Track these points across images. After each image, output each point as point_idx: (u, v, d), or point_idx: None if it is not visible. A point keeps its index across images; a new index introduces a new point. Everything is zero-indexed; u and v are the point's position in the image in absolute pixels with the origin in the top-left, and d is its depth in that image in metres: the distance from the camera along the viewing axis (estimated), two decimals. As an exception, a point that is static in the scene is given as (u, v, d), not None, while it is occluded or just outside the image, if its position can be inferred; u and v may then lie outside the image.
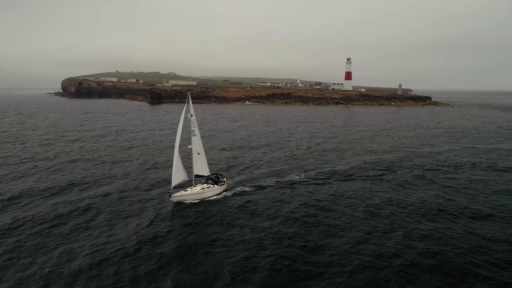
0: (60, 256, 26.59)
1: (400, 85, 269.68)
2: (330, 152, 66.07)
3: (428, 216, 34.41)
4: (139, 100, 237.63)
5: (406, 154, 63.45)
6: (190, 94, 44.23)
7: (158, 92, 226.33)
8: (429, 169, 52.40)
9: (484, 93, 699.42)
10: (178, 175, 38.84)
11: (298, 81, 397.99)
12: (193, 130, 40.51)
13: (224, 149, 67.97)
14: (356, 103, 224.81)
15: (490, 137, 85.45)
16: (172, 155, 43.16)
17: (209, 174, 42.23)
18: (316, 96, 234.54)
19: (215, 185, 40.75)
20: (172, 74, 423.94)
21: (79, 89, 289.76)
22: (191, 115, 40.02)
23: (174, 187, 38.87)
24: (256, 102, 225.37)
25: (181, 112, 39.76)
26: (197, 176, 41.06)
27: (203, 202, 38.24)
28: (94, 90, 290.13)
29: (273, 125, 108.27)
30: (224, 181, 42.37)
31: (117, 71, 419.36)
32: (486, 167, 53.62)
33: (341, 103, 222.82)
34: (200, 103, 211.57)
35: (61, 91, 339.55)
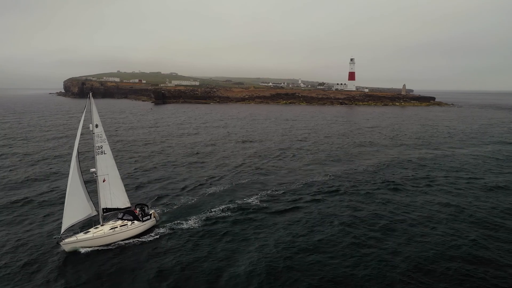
0: None
1: (404, 85, 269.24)
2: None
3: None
4: (143, 100, 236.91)
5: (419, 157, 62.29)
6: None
7: (162, 92, 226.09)
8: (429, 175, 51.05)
9: (486, 94, 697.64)
10: (74, 210, 27.35)
11: (299, 81, 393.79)
12: (100, 147, 29.21)
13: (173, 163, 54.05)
14: (361, 103, 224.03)
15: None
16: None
17: (128, 205, 30.98)
18: (320, 96, 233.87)
19: (135, 221, 29.54)
20: (173, 74, 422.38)
21: (82, 89, 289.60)
22: (96, 126, 28.70)
23: (68, 229, 27.12)
24: (260, 102, 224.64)
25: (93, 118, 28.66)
26: (107, 210, 29.78)
27: (113, 249, 26.69)
28: (97, 90, 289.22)
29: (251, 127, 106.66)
30: (151, 214, 31.06)
31: (118, 71, 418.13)
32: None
33: (345, 104, 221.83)
34: (205, 103, 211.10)
35: (63, 91, 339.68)
